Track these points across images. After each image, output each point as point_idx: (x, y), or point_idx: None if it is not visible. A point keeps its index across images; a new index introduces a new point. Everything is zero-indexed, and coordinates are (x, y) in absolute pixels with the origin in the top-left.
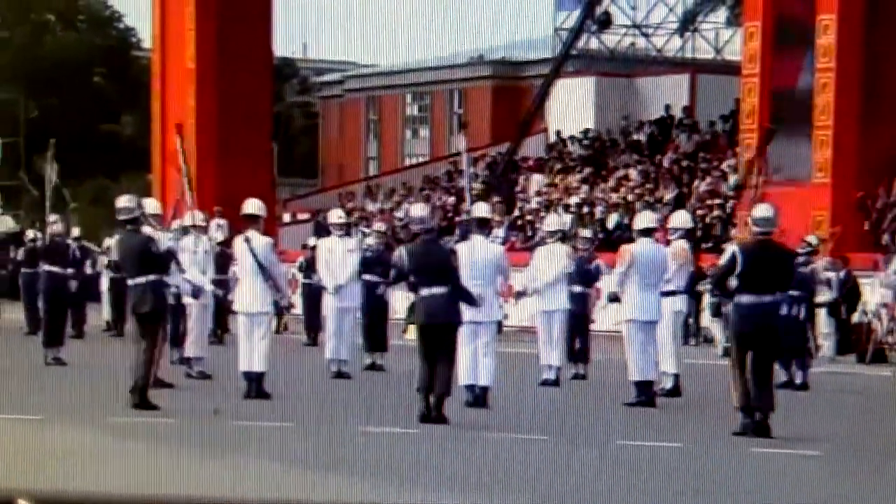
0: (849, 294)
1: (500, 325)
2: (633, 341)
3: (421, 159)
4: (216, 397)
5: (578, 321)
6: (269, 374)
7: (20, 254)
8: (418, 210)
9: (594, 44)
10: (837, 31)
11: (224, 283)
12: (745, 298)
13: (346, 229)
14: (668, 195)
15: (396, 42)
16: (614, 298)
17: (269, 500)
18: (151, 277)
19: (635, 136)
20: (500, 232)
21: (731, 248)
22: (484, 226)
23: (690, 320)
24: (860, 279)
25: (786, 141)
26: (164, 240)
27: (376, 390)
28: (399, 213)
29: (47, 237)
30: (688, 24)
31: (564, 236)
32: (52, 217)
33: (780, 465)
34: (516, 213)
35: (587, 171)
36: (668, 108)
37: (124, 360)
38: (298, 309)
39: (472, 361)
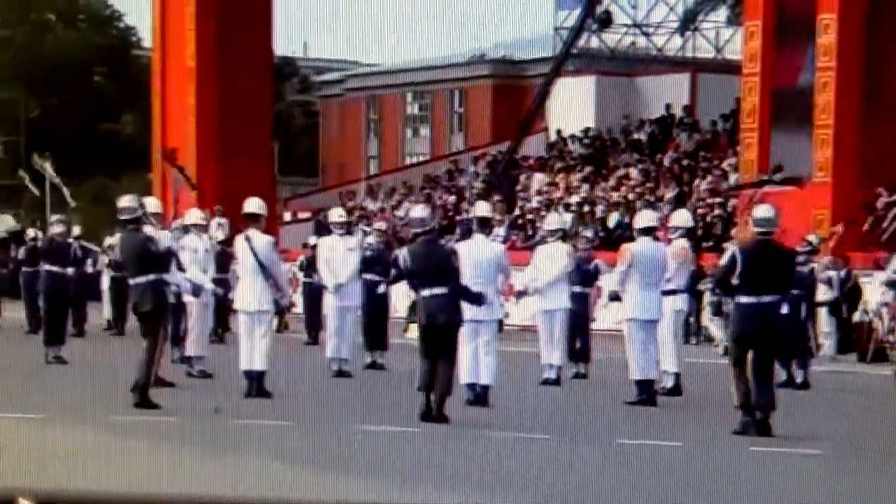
0: (850, 293)
1: (501, 323)
2: (634, 340)
3: (421, 158)
4: (217, 396)
5: (578, 321)
6: (269, 372)
7: (21, 253)
8: (419, 211)
9: (595, 43)
10: (838, 30)
11: (225, 282)
12: (745, 298)
13: (347, 228)
14: (669, 194)
15: (397, 41)
16: (615, 297)
17: (270, 499)
18: (152, 277)
19: (636, 135)
20: (500, 231)
21: (731, 249)
22: (485, 225)
23: (691, 319)
24: (861, 278)
25: (786, 139)
26: (164, 238)
27: (377, 389)
28: (400, 213)
29: (48, 237)
30: (688, 23)
31: (565, 235)
32: (53, 217)
33: (781, 464)
34: (517, 211)
35: (588, 169)
36: (668, 107)
37: (125, 358)
38: (299, 308)
39: (474, 360)
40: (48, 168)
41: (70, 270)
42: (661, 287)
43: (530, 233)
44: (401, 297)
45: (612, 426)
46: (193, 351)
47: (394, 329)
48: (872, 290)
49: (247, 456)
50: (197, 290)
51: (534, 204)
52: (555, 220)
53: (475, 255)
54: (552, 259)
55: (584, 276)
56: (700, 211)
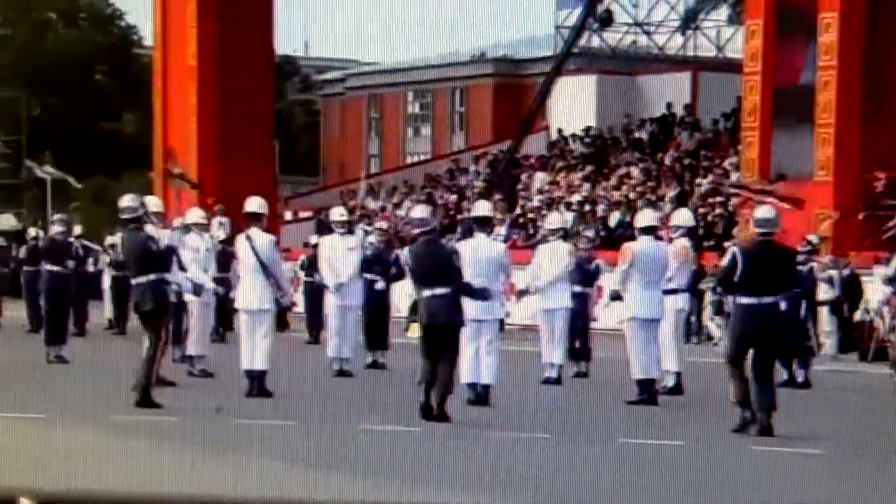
0: (851, 292)
1: (502, 323)
2: (636, 339)
3: (422, 157)
4: (218, 395)
5: (578, 321)
6: (271, 372)
7: (22, 252)
8: (419, 211)
9: (596, 42)
10: (839, 29)
11: (226, 281)
12: (745, 299)
13: (348, 227)
14: (670, 193)
15: (398, 40)
16: (616, 297)
17: (271, 499)
18: (153, 276)
19: (637, 134)
20: (501, 230)
21: (732, 249)
22: (486, 224)
23: (692, 318)
24: (862, 277)
25: (787, 138)
26: (164, 237)
27: (378, 388)
28: (401, 212)
29: (48, 236)
30: (689, 22)
31: (566, 234)
32: (54, 216)
33: (782, 463)
34: (518, 211)
35: (589, 169)
36: (669, 106)
37: (127, 358)
38: (300, 307)
39: (475, 360)
40: (48, 168)
41: (71, 269)
42: (663, 286)
43: (531, 232)
44: (402, 296)
45: (614, 425)
46: (194, 350)
47: (395, 328)
48: (874, 290)
49: (248, 455)
50: (198, 290)
51: (535, 203)
52: (556, 219)
53: (476, 255)
54: (553, 258)
55: (584, 275)
56: (701, 210)
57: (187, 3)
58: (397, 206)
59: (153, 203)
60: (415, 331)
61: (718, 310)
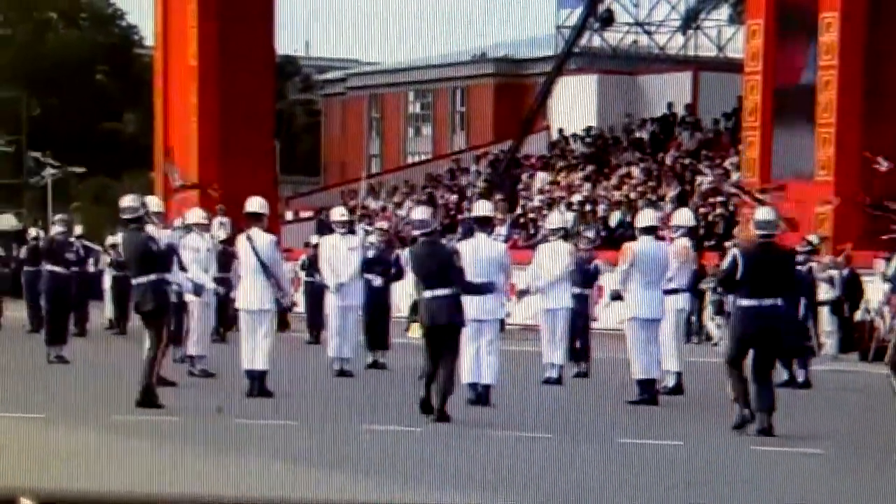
0: (851, 292)
1: (502, 323)
2: (636, 339)
3: (423, 157)
4: (219, 395)
5: (577, 321)
6: (271, 372)
7: (23, 252)
8: (420, 212)
9: (596, 41)
10: (840, 28)
11: (226, 281)
12: (746, 301)
13: (349, 227)
14: (671, 193)
15: (399, 40)
16: (617, 296)
17: (271, 499)
18: (153, 276)
19: (638, 134)
20: (502, 230)
21: (732, 252)
22: (486, 224)
23: (693, 318)
24: (863, 277)
25: (788, 138)
26: (164, 237)
27: (379, 388)
28: (402, 212)
29: (48, 236)
30: (690, 21)
31: (567, 234)
32: (55, 217)
33: (783, 463)
34: (519, 210)
35: (589, 168)
36: (670, 105)
37: (127, 358)
38: (301, 307)
39: (476, 360)
40: (51, 161)
41: (72, 269)
42: (663, 286)
43: (532, 232)
44: (402, 296)
45: (614, 425)
46: (195, 350)
47: (395, 328)
48: (874, 289)
49: (249, 455)
50: (198, 290)
51: (536, 203)
52: (557, 218)
53: (477, 255)
54: (554, 258)
55: (584, 276)
56: (702, 210)
57: (188, 3)
58: (398, 205)
59: (154, 203)
60: (415, 331)
61: (719, 310)
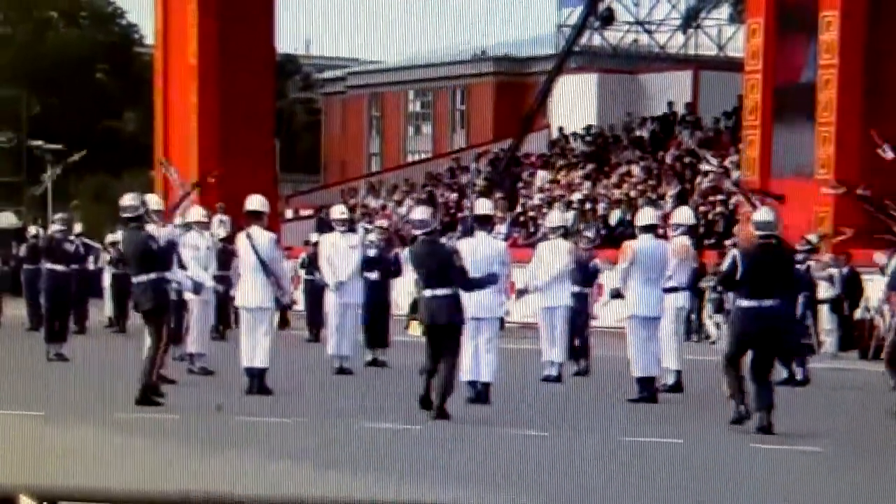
0: (851, 290)
1: (502, 321)
2: (636, 337)
3: (423, 156)
4: (218, 393)
5: (576, 321)
6: (271, 369)
7: (22, 250)
8: (419, 212)
9: (597, 40)
10: (840, 27)
11: (226, 279)
12: (746, 302)
13: (349, 225)
14: (671, 191)
15: (399, 38)
16: (617, 295)
17: (271, 496)
18: (153, 275)
19: (638, 133)
20: (502, 228)
21: (731, 252)
22: (486, 222)
23: (692, 316)
24: (862, 275)
25: (788, 137)
26: (164, 234)
27: (378, 386)
28: (402, 210)
29: (48, 235)
30: (690, 20)
31: (567, 232)
32: (56, 215)
33: (782, 460)
34: (518, 209)
35: (590, 167)
36: (670, 104)
37: (126, 356)
38: (301, 305)
39: (475, 358)
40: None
41: (71, 267)
42: (663, 284)
43: (532, 230)
44: (402, 294)
45: (614, 423)
46: (194, 348)
47: (395, 326)
48: (874, 287)
49: (248, 453)
50: (197, 288)
51: (536, 201)
52: (557, 217)
53: (477, 253)
54: (554, 256)
55: (584, 275)
56: (702, 208)
57: (188, 2)
58: (399, 202)
59: (153, 201)
60: (415, 328)
61: (718, 308)
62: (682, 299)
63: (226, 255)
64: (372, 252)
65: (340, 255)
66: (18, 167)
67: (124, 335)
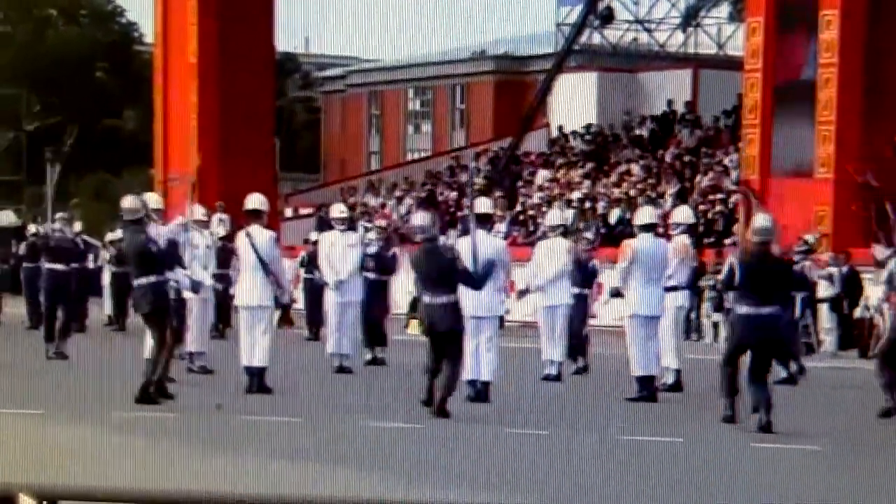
0: (850, 289)
1: (501, 320)
2: (635, 336)
3: (423, 154)
4: (218, 392)
5: (574, 321)
6: (270, 368)
7: (22, 248)
8: (419, 218)
9: (596, 39)
10: (840, 26)
11: (226, 278)
12: (744, 309)
13: (348, 224)
14: (671, 190)
15: (399, 37)
16: (616, 294)
17: (270, 496)
18: (153, 278)
19: (637, 131)
20: (502, 227)
21: (729, 260)
22: (486, 221)
23: (692, 315)
24: (862, 274)
25: (788, 136)
26: (166, 232)
27: (378, 385)
28: (402, 209)
29: (45, 233)
30: (690, 19)
31: (566, 231)
32: (56, 215)
33: (782, 459)
34: (518, 207)
35: (589, 166)
36: (670, 103)
37: (126, 354)
38: (300, 304)
39: (475, 357)
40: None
41: (71, 266)
42: (663, 283)
43: (532, 229)
44: (402, 293)
45: (613, 422)
46: (194, 347)
47: (395, 325)
48: (874, 286)
49: (247, 452)
50: (196, 287)
51: (535, 200)
52: (556, 215)
53: (476, 251)
54: (553, 255)
55: (583, 276)
56: (701, 207)
57: (188, 1)
58: (399, 200)
59: (153, 200)
60: (414, 327)
61: (718, 306)
62: (681, 298)
63: (225, 254)
64: (371, 251)
65: (340, 253)
66: (18, 166)
67: (124, 334)
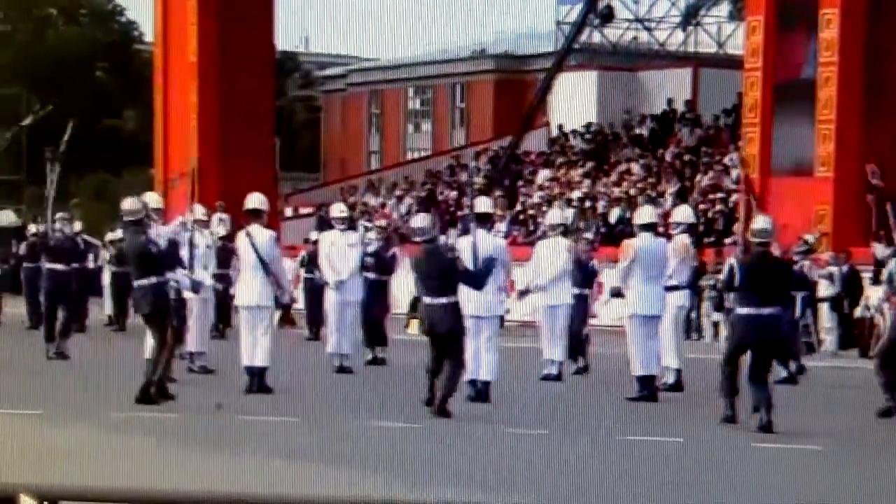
0: (851, 288)
1: (502, 319)
2: (636, 336)
3: (423, 153)
4: (218, 392)
5: (574, 321)
6: (271, 368)
7: (22, 248)
8: (419, 220)
9: (596, 38)
10: (840, 25)
11: (226, 278)
12: (744, 310)
13: (348, 223)
14: (671, 189)
15: (399, 36)
16: (617, 294)
17: (271, 495)
18: (153, 280)
19: (637, 130)
20: (502, 226)
21: (729, 262)
22: (486, 220)
23: (692, 315)
24: (862, 273)
25: (788, 135)
26: (167, 232)
27: (378, 385)
28: (402, 208)
29: (49, 233)
30: (690, 18)
31: (566, 230)
32: (57, 214)
33: (782, 459)
34: (518, 207)
35: (589, 165)
36: (670, 102)
37: (126, 354)
38: (301, 303)
39: (475, 356)
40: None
41: (72, 265)
42: (664, 283)
43: (532, 228)
44: (402, 292)
45: (614, 422)
46: (194, 347)
47: (395, 325)
48: (873, 285)
49: (248, 452)
50: (196, 287)
51: (535, 199)
52: (556, 215)
53: (476, 251)
54: (553, 254)
55: (583, 276)
56: (701, 206)
57: (188, 0)
58: (399, 199)
59: (153, 200)
60: (414, 327)
61: (718, 306)
62: (682, 298)
63: (225, 254)
64: (371, 251)
65: (340, 253)
66: (18, 166)
67: (124, 333)
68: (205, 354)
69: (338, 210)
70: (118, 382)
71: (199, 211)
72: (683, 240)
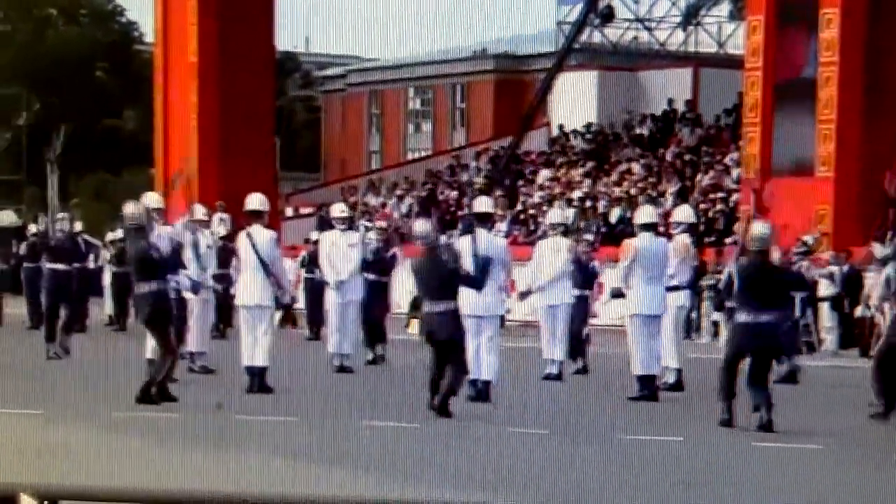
0: (851, 288)
1: (502, 319)
2: (637, 335)
3: (423, 153)
4: (219, 392)
5: (574, 322)
6: (271, 368)
7: (22, 248)
8: (420, 226)
9: (597, 38)
10: (840, 24)
11: (226, 278)
12: (743, 317)
13: (349, 223)
14: (671, 189)
15: (399, 36)
16: (617, 294)
17: (271, 495)
18: (154, 285)
19: (638, 130)
20: (502, 226)
21: (727, 269)
22: (486, 220)
23: (693, 315)
24: (863, 272)
25: (789, 134)
26: (168, 233)
27: (379, 385)
28: (403, 208)
29: (51, 234)
30: (691, 17)
31: (567, 230)
32: (58, 214)
33: (782, 459)
34: (519, 207)
35: (590, 165)
36: (670, 101)
37: (127, 354)
38: (301, 303)
39: (475, 356)
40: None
41: (73, 265)
42: (665, 283)
43: (532, 228)
44: (402, 292)
45: (614, 422)
46: (195, 347)
47: (396, 325)
48: (874, 285)
49: (248, 452)
50: (196, 287)
51: (536, 199)
52: (557, 215)
53: (477, 251)
54: (554, 254)
55: (583, 277)
56: (702, 206)
57: (188, 0)
58: (400, 199)
59: (154, 200)
60: (414, 327)
61: (719, 306)
62: (682, 298)
63: (226, 254)
64: (371, 251)
65: (341, 253)
66: (18, 166)
67: (125, 333)
68: (205, 354)
69: (338, 210)
70: (119, 382)
71: (200, 211)
72: (684, 240)
